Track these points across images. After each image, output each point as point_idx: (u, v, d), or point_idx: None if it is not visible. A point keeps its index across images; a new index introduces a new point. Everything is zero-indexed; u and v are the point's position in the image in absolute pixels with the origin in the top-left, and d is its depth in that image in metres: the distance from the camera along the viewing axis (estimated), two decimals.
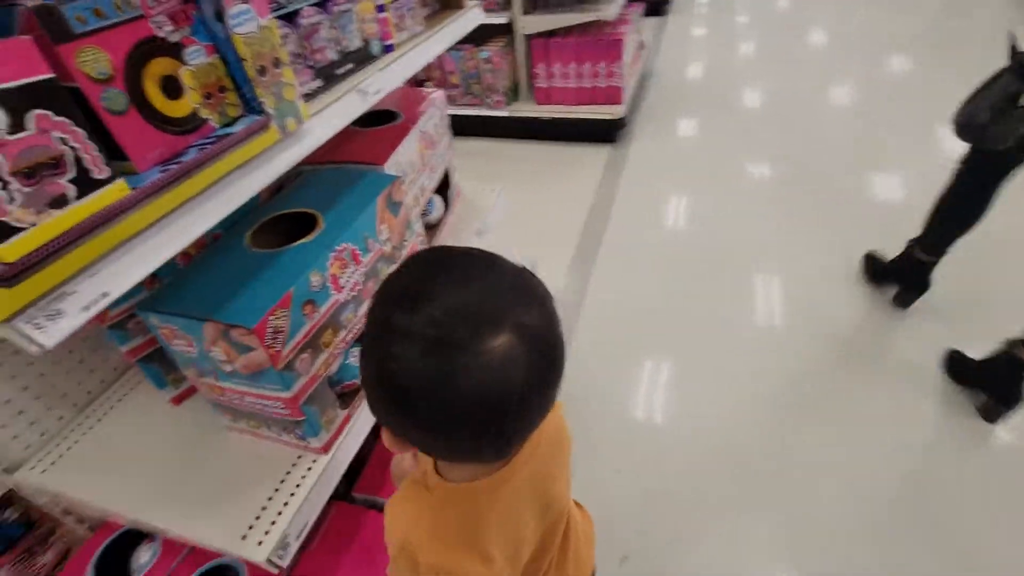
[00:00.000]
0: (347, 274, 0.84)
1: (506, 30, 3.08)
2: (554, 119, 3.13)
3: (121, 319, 0.85)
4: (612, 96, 3.07)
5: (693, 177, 2.91)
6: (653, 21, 5.26)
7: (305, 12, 0.73)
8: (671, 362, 1.91)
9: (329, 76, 0.79)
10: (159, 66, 0.52)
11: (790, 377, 1.78)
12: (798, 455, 1.55)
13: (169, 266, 0.87)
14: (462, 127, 3.38)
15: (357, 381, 0.94)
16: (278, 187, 1.03)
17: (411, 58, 0.94)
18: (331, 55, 0.79)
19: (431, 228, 1.33)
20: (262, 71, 0.61)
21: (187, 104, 0.56)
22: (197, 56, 0.56)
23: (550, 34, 2.95)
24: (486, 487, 0.58)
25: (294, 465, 0.86)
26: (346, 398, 0.93)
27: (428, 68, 3.21)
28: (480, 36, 3.08)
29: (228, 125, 0.61)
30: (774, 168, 2.89)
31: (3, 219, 0.40)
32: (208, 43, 0.57)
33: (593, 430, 1.68)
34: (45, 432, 0.94)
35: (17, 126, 0.40)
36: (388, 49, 0.92)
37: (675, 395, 1.78)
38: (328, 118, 0.75)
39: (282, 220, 0.91)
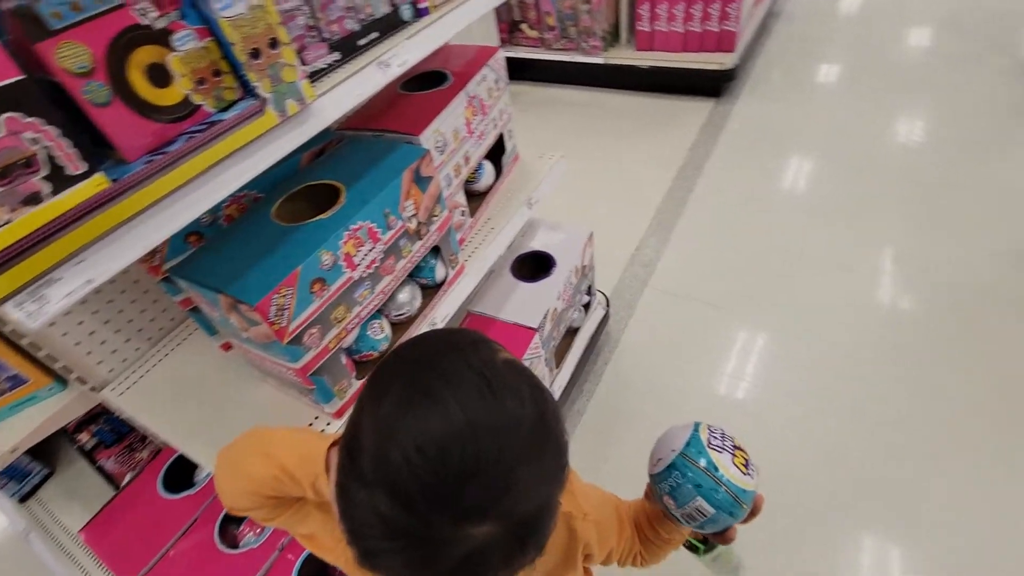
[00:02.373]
0: (362, 252, 0.84)
1: None
2: (653, 68, 2.86)
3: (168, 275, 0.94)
4: (724, 42, 2.72)
5: (810, 143, 2.54)
6: None
7: None
8: (745, 335, 1.81)
9: (348, 48, 0.76)
10: (144, 54, 0.53)
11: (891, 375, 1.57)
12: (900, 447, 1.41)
13: (214, 226, 0.94)
14: (553, 74, 3.22)
15: (375, 352, 0.97)
16: (320, 151, 1.04)
17: (447, 23, 0.88)
18: (350, 25, 0.75)
19: (479, 196, 1.29)
20: (255, 54, 0.59)
21: (177, 91, 0.56)
22: (187, 41, 0.55)
23: None
24: None
25: (310, 424, 0.92)
26: (365, 367, 0.97)
27: (524, 8, 3.04)
28: None
29: (225, 110, 0.61)
30: (925, 147, 2.40)
31: None
32: (199, 26, 0.56)
33: (656, 401, 1.64)
34: (126, 359, 1.09)
35: None
36: (422, 13, 0.86)
37: (750, 370, 1.70)
38: (340, 96, 0.72)
39: (316, 187, 0.93)
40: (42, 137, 0.46)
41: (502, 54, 1.23)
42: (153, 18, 0.52)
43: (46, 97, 0.46)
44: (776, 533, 1.31)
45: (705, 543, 0.73)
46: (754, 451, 0.62)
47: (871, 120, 2.58)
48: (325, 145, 1.03)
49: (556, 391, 1.56)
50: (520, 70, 3.25)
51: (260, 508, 0.62)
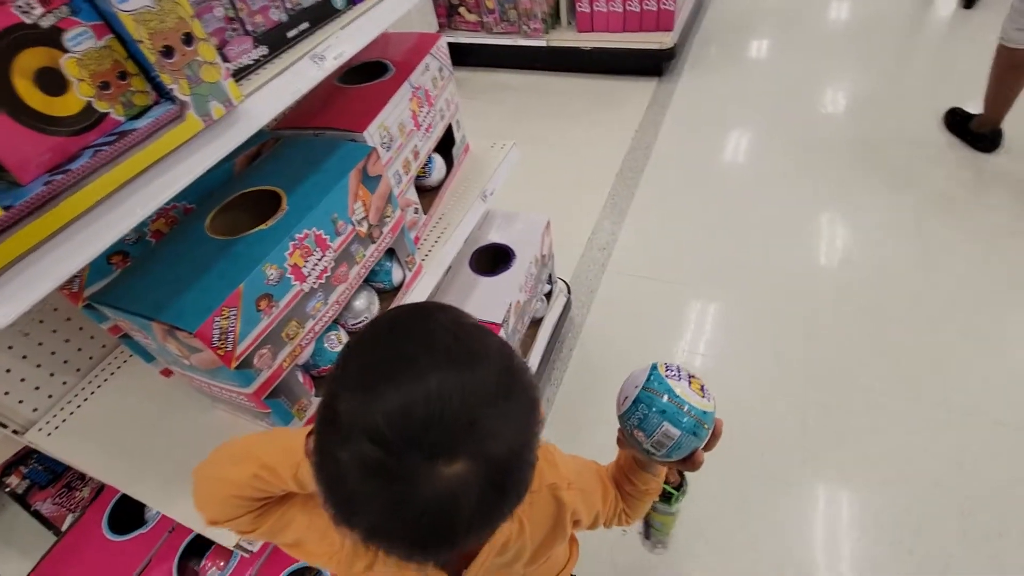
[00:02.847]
0: (312, 262, 0.78)
1: None
2: (595, 49, 2.84)
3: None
4: (663, 21, 2.74)
5: (749, 114, 2.61)
6: None
7: None
8: (704, 309, 1.85)
9: (277, 41, 0.70)
10: (31, 58, 0.45)
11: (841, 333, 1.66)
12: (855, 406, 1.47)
13: (140, 244, 0.86)
14: (496, 58, 3.16)
15: None
16: (256, 154, 0.96)
17: (383, 10, 0.82)
18: (277, 15, 0.68)
19: (432, 191, 1.24)
20: (167, 52, 0.52)
21: (75, 99, 0.49)
22: (82, 40, 0.48)
23: None
24: None
25: None
26: (324, 382, 0.91)
27: None
28: None
29: (137, 117, 0.53)
30: (854, 105, 2.53)
31: None
32: (96, 22, 0.49)
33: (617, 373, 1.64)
34: (52, 395, 0.99)
35: None
36: (356, 1, 0.80)
37: (711, 341, 1.75)
38: (272, 94, 0.66)
39: (254, 194, 0.86)
40: None
41: (445, 41, 1.17)
42: (38, 15, 0.45)
43: None
44: (747, 495, 1.36)
45: (679, 488, 0.76)
46: (725, 442, 0.63)
47: (802, 87, 2.69)
48: (260, 147, 0.95)
49: None
50: (461, 55, 3.17)
51: (243, 515, 0.60)
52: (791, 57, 2.93)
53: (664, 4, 2.67)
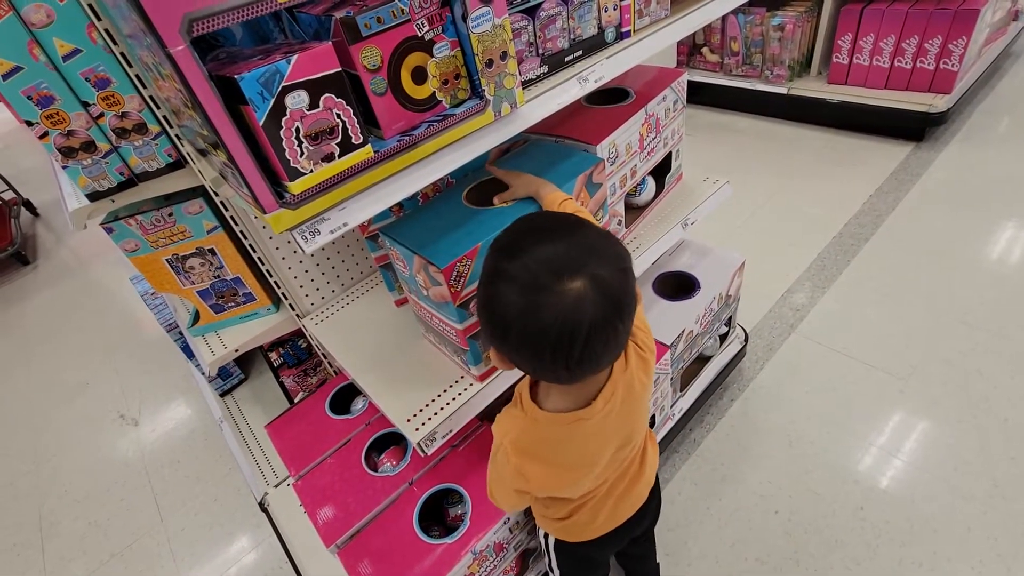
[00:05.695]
0: None
1: None
2: (843, 103, 2.64)
3: (374, 234, 1.14)
4: (940, 82, 2.43)
5: None
6: None
7: (546, 5, 0.81)
8: (915, 410, 1.61)
9: (556, 63, 0.87)
10: (414, 59, 0.68)
11: None
12: None
13: (412, 201, 1.13)
14: (725, 99, 3.13)
15: None
16: (507, 149, 1.18)
17: (644, 46, 0.95)
18: (561, 44, 0.86)
19: (637, 209, 1.35)
20: (489, 63, 0.72)
21: (428, 89, 0.71)
22: (443, 50, 0.70)
23: (869, 0, 2.43)
24: (565, 420, 0.73)
25: (456, 382, 1.05)
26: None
27: (708, 31, 3.01)
28: None
29: (456, 106, 0.75)
30: None
31: (295, 166, 0.60)
32: (453, 38, 0.70)
33: (783, 450, 1.55)
34: (324, 297, 1.34)
35: (313, 104, 0.59)
36: (623, 36, 0.95)
37: (917, 449, 1.52)
38: (542, 103, 0.84)
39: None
40: (343, 114, 0.62)
41: (685, 78, 1.27)
42: (425, 31, 0.67)
43: (347, 84, 0.62)
44: None
45: None
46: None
47: None
48: (512, 144, 1.17)
49: (675, 415, 1.55)
50: (692, 93, 3.21)
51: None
52: None
53: (946, 63, 2.36)
